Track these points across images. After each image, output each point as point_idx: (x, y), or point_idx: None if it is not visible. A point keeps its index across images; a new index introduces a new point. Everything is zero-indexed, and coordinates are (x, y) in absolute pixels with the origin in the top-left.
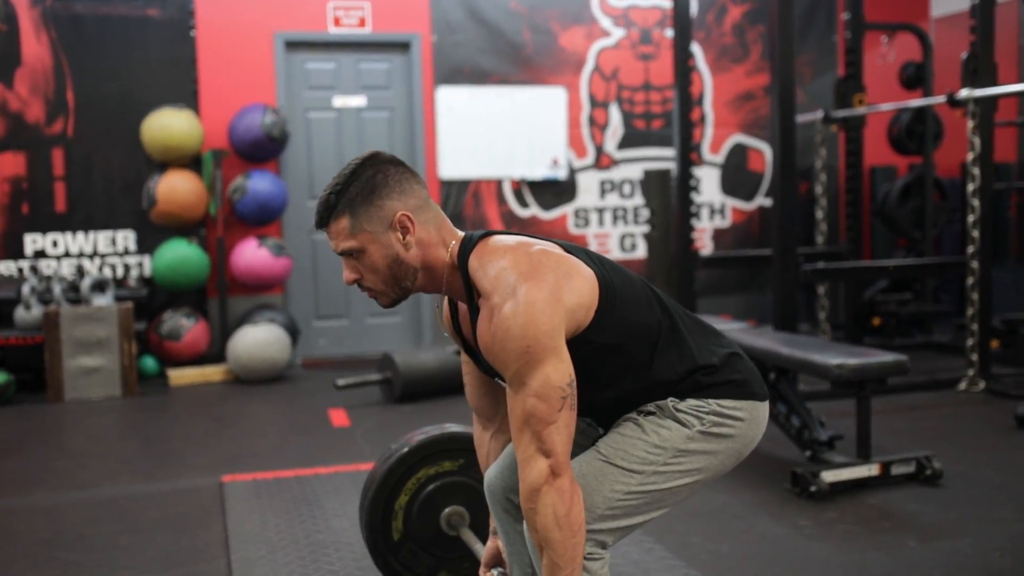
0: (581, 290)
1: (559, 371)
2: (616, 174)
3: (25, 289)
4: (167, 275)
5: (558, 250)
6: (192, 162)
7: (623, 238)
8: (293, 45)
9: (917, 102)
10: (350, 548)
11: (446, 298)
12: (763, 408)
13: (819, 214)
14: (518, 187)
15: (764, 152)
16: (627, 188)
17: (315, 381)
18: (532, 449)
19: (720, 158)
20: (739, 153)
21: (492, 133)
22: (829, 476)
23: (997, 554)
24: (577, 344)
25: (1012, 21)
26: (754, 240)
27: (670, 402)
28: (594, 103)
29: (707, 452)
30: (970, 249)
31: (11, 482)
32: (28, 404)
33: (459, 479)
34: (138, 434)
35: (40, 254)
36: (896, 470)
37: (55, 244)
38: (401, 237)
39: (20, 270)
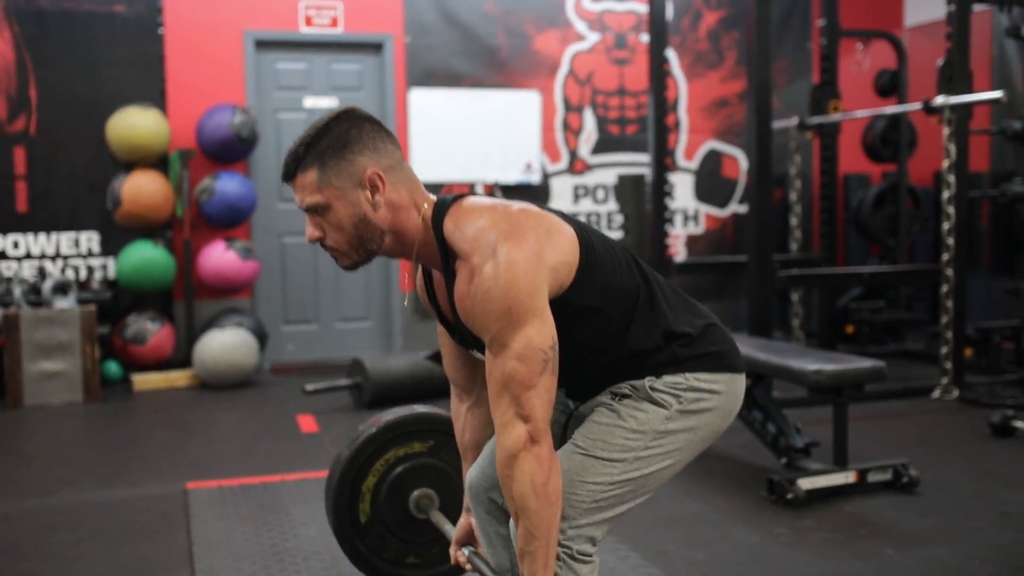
0: (563, 248)
1: (541, 333)
2: (590, 179)
3: None
4: (132, 277)
5: (537, 209)
6: (159, 162)
7: None
8: (263, 44)
9: (892, 109)
10: (319, 557)
11: (420, 268)
12: (741, 380)
13: (793, 221)
14: (491, 191)
15: (738, 159)
16: (601, 193)
17: (283, 387)
18: (511, 414)
19: (694, 164)
20: (713, 159)
21: (465, 136)
22: (806, 483)
23: (976, 563)
24: (557, 306)
25: (985, 30)
26: (728, 247)
27: (647, 382)
28: (568, 107)
29: (687, 430)
30: (945, 257)
31: None
32: None
33: (429, 461)
34: (100, 440)
35: (0, 255)
36: (873, 477)
37: (16, 245)
38: (370, 196)
39: None
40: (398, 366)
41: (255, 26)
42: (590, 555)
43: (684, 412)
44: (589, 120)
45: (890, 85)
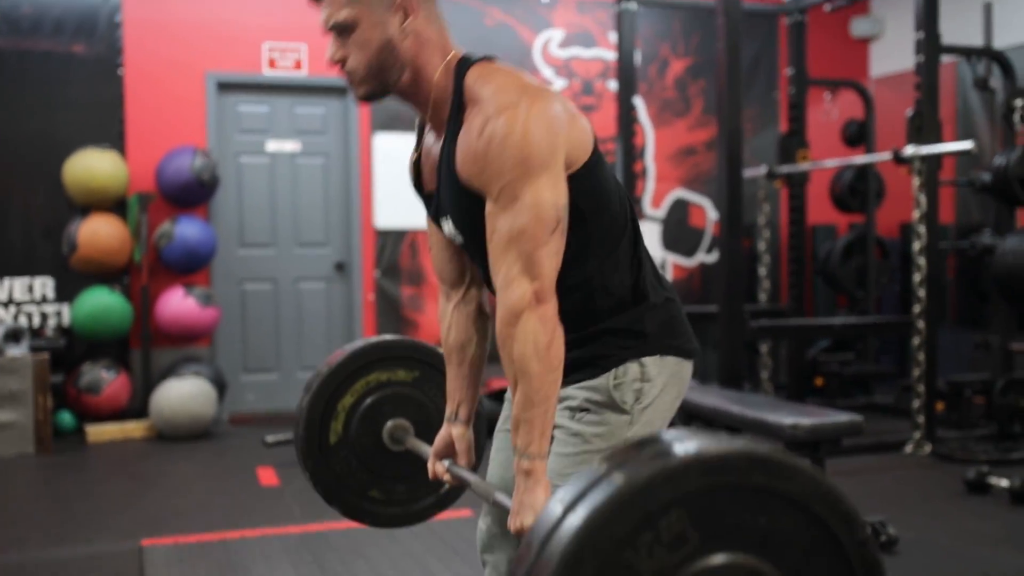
0: (583, 130)
1: (556, 190)
2: None
3: None
4: (87, 325)
5: None
6: (117, 206)
7: None
8: (226, 86)
9: (862, 159)
10: None
11: (416, 142)
12: (690, 365)
13: (762, 271)
14: None
15: (705, 208)
16: None
17: (243, 438)
18: (517, 269)
19: (661, 213)
20: (680, 208)
21: None
22: None
23: None
24: None
25: (949, 82)
26: (695, 296)
27: (607, 381)
28: None
29: (647, 423)
30: (916, 309)
31: None
32: None
33: (411, 391)
34: (51, 495)
35: None
36: None
37: None
38: (400, 21)
39: None
40: None
41: (217, 68)
42: None
43: (644, 408)
44: None
45: (858, 135)
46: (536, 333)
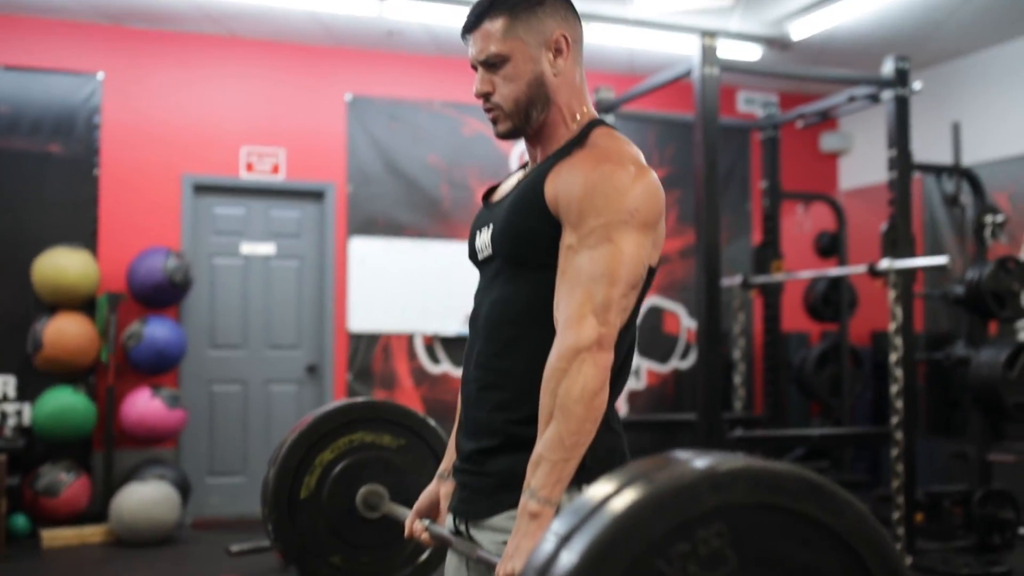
0: (661, 235)
1: (646, 251)
2: None
3: None
4: (48, 425)
5: None
6: (86, 305)
7: None
8: (202, 188)
9: (837, 271)
10: None
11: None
12: None
13: (737, 379)
14: (430, 342)
15: (679, 315)
16: None
17: (206, 544)
18: (587, 309)
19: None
20: (654, 315)
21: (405, 286)
22: None
23: None
24: None
25: (916, 197)
26: (669, 403)
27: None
28: None
29: None
30: (894, 420)
31: None
32: None
33: (394, 458)
34: None
35: None
36: None
37: None
38: (552, 58)
39: None
40: None
41: (194, 170)
42: None
43: None
44: None
45: (830, 246)
46: (589, 377)
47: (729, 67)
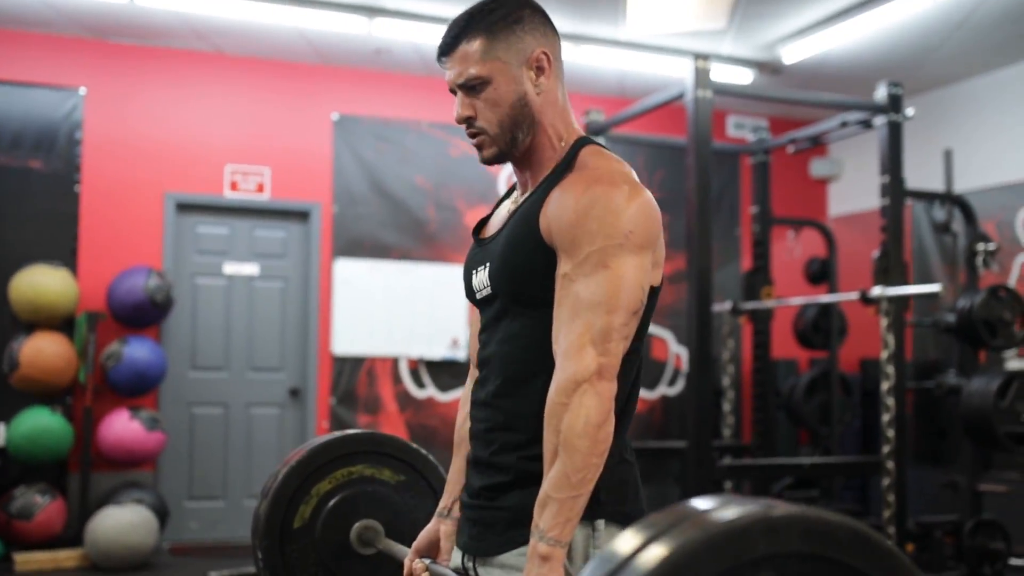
0: (661, 254)
1: (645, 275)
2: None
3: None
4: (23, 446)
5: None
6: (64, 324)
7: None
8: (185, 207)
9: (828, 298)
10: None
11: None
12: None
13: (726, 406)
14: (415, 366)
15: (667, 340)
16: None
17: (184, 571)
18: (587, 339)
19: None
20: None
21: (391, 309)
22: None
23: None
24: None
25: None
26: (656, 429)
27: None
28: None
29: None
30: (885, 449)
31: None
32: None
33: (392, 495)
34: None
35: None
36: None
37: None
38: (535, 77)
39: None
40: None
41: (178, 188)
42: None
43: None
44: None
45: (820, 273)
46: (591, 409)
47: (722, 90)
